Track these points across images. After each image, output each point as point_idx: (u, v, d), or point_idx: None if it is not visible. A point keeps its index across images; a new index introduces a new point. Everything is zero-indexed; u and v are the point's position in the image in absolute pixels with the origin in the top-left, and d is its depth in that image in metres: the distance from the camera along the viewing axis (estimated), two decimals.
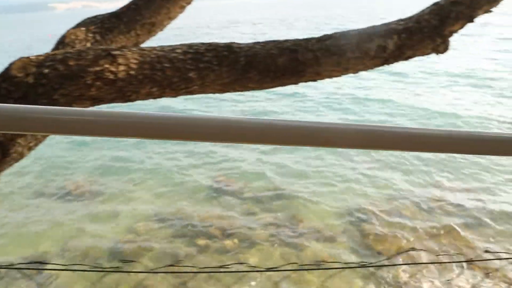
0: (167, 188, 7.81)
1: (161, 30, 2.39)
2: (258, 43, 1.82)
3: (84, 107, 1.62)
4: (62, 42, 2.13)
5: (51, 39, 2.58)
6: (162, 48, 1.65)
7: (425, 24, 1.84)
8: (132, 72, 1.56)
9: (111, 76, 1.53)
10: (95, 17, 2.24)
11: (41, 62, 1.49)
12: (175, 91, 1.69)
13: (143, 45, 2.18)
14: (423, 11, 1.88)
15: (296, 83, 1.89)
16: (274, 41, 1.83)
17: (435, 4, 1.88)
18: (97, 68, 1.51)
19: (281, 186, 7.58)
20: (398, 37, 1.83)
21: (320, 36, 1.84)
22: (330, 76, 1.89)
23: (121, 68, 1.54)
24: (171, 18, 2.36)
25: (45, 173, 8.82)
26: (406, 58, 1.91)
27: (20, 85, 1.46)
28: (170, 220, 6.51)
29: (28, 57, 1.51)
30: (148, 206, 7.02)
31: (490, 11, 1.89)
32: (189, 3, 2.41)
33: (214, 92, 1.79)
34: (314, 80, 1.90)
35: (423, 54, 1.90)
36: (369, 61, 1.85)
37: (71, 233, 6.28)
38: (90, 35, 2.15)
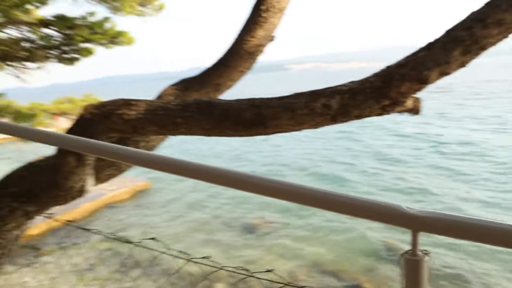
0: None
1: (228, 89, 3.12)
2: (237, 100, 2.31)
3: (114, 136, 2.54)
4: (159, 95, 3.17)
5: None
6: (162, 101, 2.42)
7: (368, 85, 1.89)
8: (139, 116, 2.38)
9: (126, 117, 2.40)
10: (184, 79, 3.19)
11: (95, 105, 2.51)
12: (168, 131, 2.40)
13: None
14: (371, 74, 1.92)
15: (265, 133, 2.25)
16: (248, 99, 2.28)
17: (386, 67, 1.89)
18: (119, 112, 2.41)
19: None
20: (341, 97, 1.95)
21: (281, 96, 2.16)
22: (290, 130, 2.16)
23: (133, 112, 2.39)
24: (233, 80, 3.07)
25: None
26: (355, 117, 1.97)
27: (82, 120, 2.52)
28: None
29: (93, 104, 2.56)
30: None
31: (448, 74, 1.72)
32: (248, 68, 3.05)
33: (200, 135, 2.39)
34: (279, 132, 2.21)
35: (372, 114, 1.92)
36: (318, 117, 2.04)
37: None
38: (175, 91, 3.11)
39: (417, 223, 0.94)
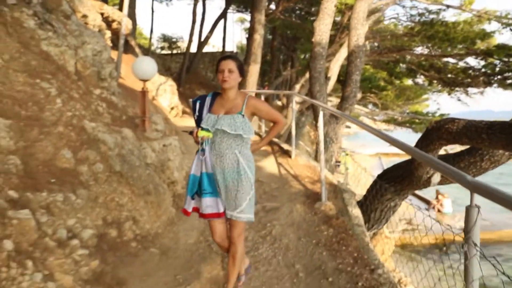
0: None
1: None
2: None
3: (443, 143, 3.54)
4: None
5: None
6: (477, 121, 3.25)
7: None
8: (458, 130, 3.36)
9: (450, 130, 3.43)
10: None
11: (436, 121, 3.64)
12: (476, 143, 3.21)
13: None
14: None
15: None
16: None
17: None
18: (446, 126, 3.47)
19: None
20: None
21: None
22: None
23: (454, 127, 3.39)
24: None
25: None
26: None
27: (427, 130, 3.72)
28: None
29: (435, 120, 3.69)
30: None
31: None
32: None
33: (499, 149, 3.04)
34: None
35: None
36: None
37: None
38: None
39: (472, 187, 1.69)
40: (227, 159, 2.60)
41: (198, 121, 2.67)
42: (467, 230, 1.68)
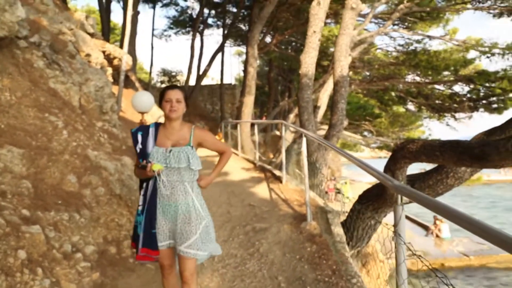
0: None
1: None
2: (479, 141, 3.18)
3: (406, 161, 3.97)
4: (472, 138, 4.19)
5: None
6: (432, 140, 3.69)
7: None
8: (417, 149, 3.79)
9: (411, 150, 3.87)
10: (493, 127, 4.02)
11: (400, 143, 4.09)
12: (432, 160, 3.64)
13: None
14: None
15: (491, 167, 3.01)
16: (481, 140, 3.10)
17: None
18: (408, 146, 3.91)
19: None
20: None
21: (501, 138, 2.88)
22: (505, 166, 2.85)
23: (414, 147, 3.82)
24: None
25: None
26: None
27: (393, 151, 4.16)
28: None
29: (400, 142, 4.14)
30: None
31: None
32: None
33: (450, 165, 3.46)
34: (499, 167, 2.93)
35: None
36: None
37: None
38: (482, 135, 4.02)
39: (398, 190, 2.12)
40: (178, 191, 2.54)
41: (142, 154, 2.53)
42: (395, 224, 2.10)
